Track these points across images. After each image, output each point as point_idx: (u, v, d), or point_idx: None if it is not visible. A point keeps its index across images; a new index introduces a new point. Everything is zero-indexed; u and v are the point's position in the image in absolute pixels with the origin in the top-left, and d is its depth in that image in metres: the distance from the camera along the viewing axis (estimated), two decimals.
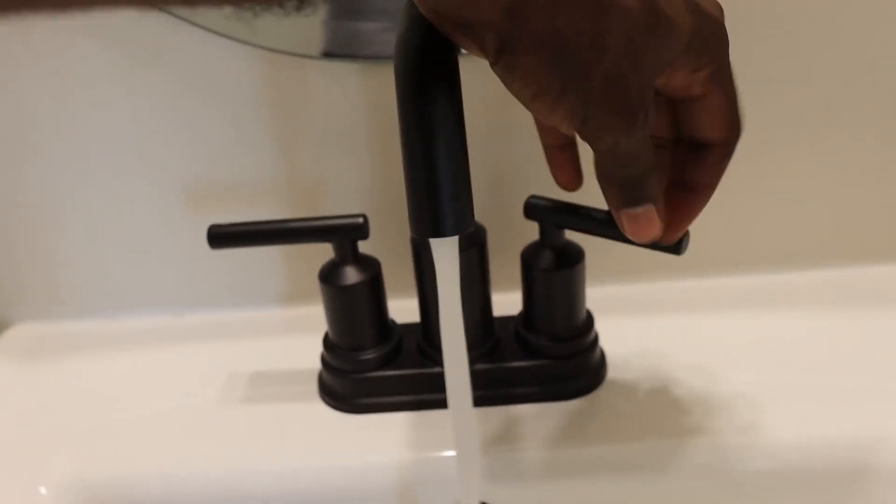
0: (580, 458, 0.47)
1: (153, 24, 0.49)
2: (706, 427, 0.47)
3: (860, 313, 0.55)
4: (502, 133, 0.53)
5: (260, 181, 0.54)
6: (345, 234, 0.47)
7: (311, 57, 0.50)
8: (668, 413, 0.48)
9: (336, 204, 0.55)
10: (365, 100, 0.51)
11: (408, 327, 0.52)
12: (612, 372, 0.51)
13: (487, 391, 0.49)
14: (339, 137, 0.53)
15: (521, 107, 0.31)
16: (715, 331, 0.54)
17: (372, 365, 0.50)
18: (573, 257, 0.47)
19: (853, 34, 0.50)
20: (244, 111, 0.52)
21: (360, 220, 0.47)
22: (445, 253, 0.33)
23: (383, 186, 0.54)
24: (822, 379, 0.49)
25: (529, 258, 0.48)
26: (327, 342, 0.51)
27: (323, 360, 0.51)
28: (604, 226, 0.44)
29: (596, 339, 0.50)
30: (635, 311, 0.57)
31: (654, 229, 0.33)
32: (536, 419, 0.48)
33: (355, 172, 0.54)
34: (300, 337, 0.55)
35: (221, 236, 0.46)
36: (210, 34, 0.49)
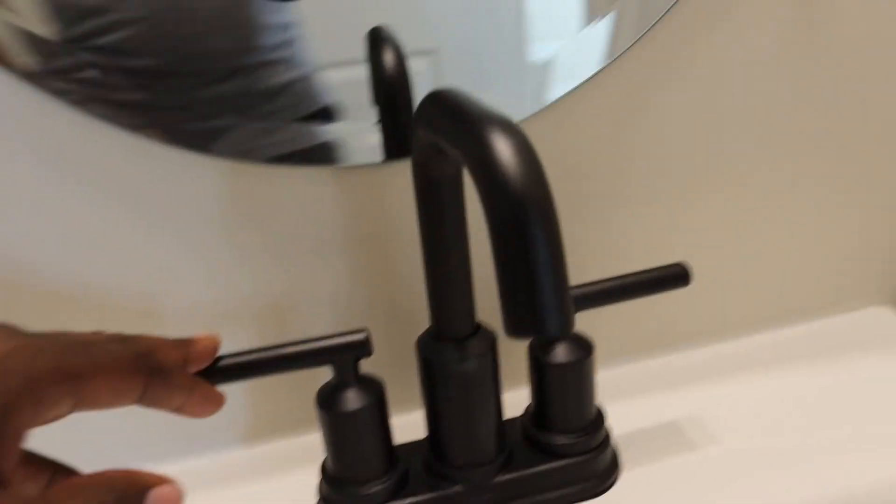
0: None
1: (101, 139, 0.44)
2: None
3: (854, 362, 0.56)
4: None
5: (221, 302, 0.49)
6: (347, 353, 0.42)
7: (274, 163, 0.46)
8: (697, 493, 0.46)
9: (309, 321, 0.50)
10: (338, 206, 0.48)
11: (406, 447, 0.48)
12: (626, 458, 0.49)
13: None
14: (310, 248, 0.49)
15: None
16: (711, 401, 0.54)
17: (381, 497, 0.45)
18: (585, 348, 0.45)
19: (819, 105, 0.53)
20: (205, 226, 0.47)
21: (363, 335, 0.42)
22: None
23: (363, 297, 0.51)
24: (831, 433, 0.50)
25: (539, 353, 0.46)
26: (326, 476, 0.45)
27: (322, 496, 0.45)
28: (613, 294, 0.44)
29: (608, 431, 0.48)
30: (628, 393, 0.55)
31: None
32: None
33: (330, 284, 0.50)
34: (276, 478, 0.49)
35: (226, 372, 0.40)
36: (164, 147, 0.44)
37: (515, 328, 0.29)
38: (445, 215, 0.40)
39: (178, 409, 0.36)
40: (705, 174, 0.53)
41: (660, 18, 0.48)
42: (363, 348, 0.42)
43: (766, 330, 0.60)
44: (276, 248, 0.48)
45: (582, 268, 0.52)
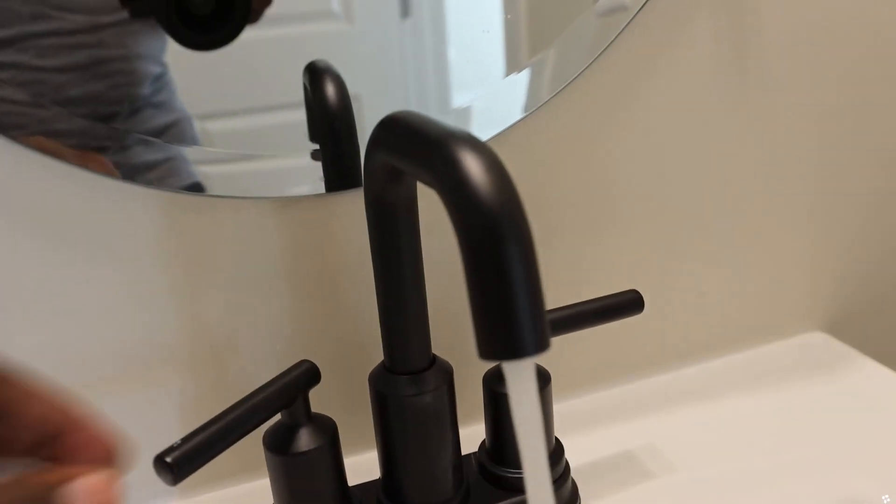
0: None
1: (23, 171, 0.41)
2: None
3: (797, 386, 0.57)
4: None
5: (152, 342, 0.46)
6: (295, 389, 0.40)
7: (214, 195, 0.44)
8: None
9: (250, 361, 0.48)
10: (280, 238, 0.46)
11: (360, 488, 0.46)
12: (584, 491, 0.48)
13: None
14: (251, 282, 0.47)
15: None
16: (664, 430, 0.54)
17: None
18: (543, 378, 0.45)
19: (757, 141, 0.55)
20: (136, 260, 0.44)
21: (307, 365, 0.41)
22: (524, 377, 0.29)
23: (309, 333, 0.49)
24: (784, 456, 0.50)
25: (495, 384, 0.45)
26: None
27: None
28: (570, 322, 0.44)
29: (567, 464, 0.47)
30: (581, 424, 0.54)
31: None
32: None
33: (272, 321, 0.48)
34: None
35: (184, 462, 0.36)
36: (96, 177, 0.42)
37: (490, 350, 0.28)
38: (401, 242, 0.39)
39: None
40: (642, 206, 0.54)
41: (586, 68, 0.49)
42: (313, 377, 0.40)
43: (710, 358, 0.60)
44: (215, 284, 0.46)
45: None
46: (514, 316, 0.27)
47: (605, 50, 0.49)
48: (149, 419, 0.47)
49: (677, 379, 0.59)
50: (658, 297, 0.56)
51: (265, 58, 0.44)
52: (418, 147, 0.31)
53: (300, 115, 0.45)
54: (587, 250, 0.54)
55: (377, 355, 0.43)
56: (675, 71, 0.51)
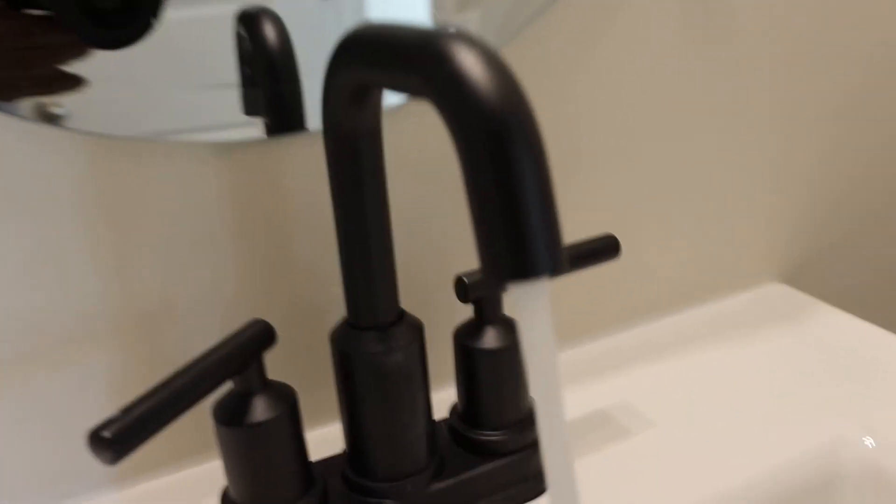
0: None
1: None
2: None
3: (761, 336, 0.55)
4: None
5: (73, 313, 0.40)
6: (249, 351, 0.36)
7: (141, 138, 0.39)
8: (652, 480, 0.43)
9: (190, 332, 0.43)
10: (221, 189, 0.41)
11: (323, 464, 0.42)
12: None
13: None
14: (190, 240, 0.41)
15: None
16: (636, 387, 0.51)
17: None
18: (517, 332, 0.41)
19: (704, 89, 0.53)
20: (55, 215, 0.38)
21: (261, 324, 0.36)
22: (535, 301, 0.25)
23: (258, 295, 0.43)
24: (757, 406, 0.48)
25: (469, 340, 0.41)
26: None
27: None
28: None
29: None
30: None
31: None
32: None
33: (215, 284, 0.42)
34: None
35: (125, 437, 0.31)
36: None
37: (498, 272, 0.24)
38: (363, 176, 0.34)
39: None
40: (602, 161, 0.51)
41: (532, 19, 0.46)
42: (265, 338, 0.36)
43: (672, 312, 0.58)
44: (146, 241, 0.40)
45: None
46: (525, 230, 0.23)
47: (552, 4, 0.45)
48: (74, 402, 0.41)
49: (642, 334, 0.56)
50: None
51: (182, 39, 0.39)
52: (401, 50, 0.27)
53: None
54: None
55: (335, 316, 0.39)
56: (636, 21, 0.49)
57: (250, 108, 0.41)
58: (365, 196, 0.35)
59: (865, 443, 0.45)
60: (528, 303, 0.25)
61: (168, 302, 0.42)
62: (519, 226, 0.23)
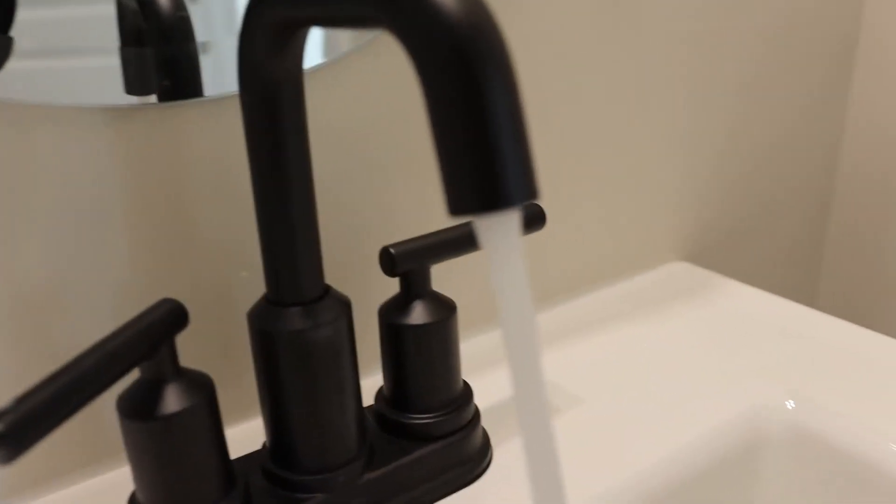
0: None
1: None
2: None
3: (671, 312, 0.56)
4: None
5: None
6: (162, 334, 0.31)
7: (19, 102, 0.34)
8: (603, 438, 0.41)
9: (82, 321, 0.38)
10: (115, 159, 0.37)
11: (244, 460, 0.38)
12: (493, 435, 0.43)
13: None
14: (80, 217, 0.36)
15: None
16: (559, 365, 0.50)
17: None
18: (447, 307, 0.39)
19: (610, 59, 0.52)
20: None
21: (170, 304, 0.32)
22: (507, 235, 0.22)
23: (159, 277, 0.39)
24: (677, 379, 0.48)
25: (396, 317, 0.38)
26: None
27: None
28: (462, 243, 0.39)
29: (476, 406, 0.42)
30: (473, 366, 0.49)
31: None
32: None
33: (110, 267, 0.38)
34: None
35: (21, 431, 0.26)
36: None
37: (464, 203, 0.22)
38: (286, 135, 0.31)
39: None
40: None
41: None
42: (176, 320, 0.32)
43: (584, 293, 0.58)
44: (30, 220, 0.35)
45: (389, 233, 0.46)
46: (495, 156, 0.21)
47: None
48: None
49: (559, 314, 0.56)
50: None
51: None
52: None
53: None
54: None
55: (246, 299, 0.35)
56: None
57: (139, 73, 0.37)
58: (288, 156, 0.32)
59: (787, 405, 0.45)
60: (499, 236, 0.22)
61: (57, 289, 0.37)
62: (487, 154, 0.21)
